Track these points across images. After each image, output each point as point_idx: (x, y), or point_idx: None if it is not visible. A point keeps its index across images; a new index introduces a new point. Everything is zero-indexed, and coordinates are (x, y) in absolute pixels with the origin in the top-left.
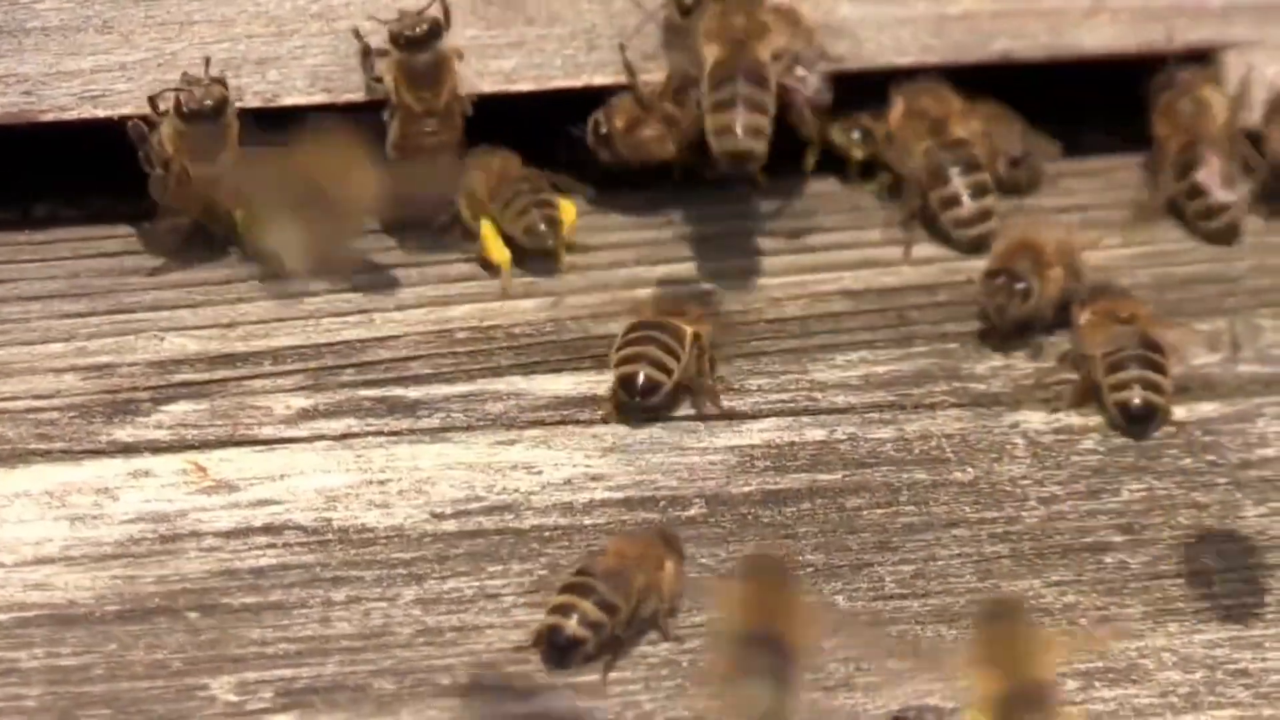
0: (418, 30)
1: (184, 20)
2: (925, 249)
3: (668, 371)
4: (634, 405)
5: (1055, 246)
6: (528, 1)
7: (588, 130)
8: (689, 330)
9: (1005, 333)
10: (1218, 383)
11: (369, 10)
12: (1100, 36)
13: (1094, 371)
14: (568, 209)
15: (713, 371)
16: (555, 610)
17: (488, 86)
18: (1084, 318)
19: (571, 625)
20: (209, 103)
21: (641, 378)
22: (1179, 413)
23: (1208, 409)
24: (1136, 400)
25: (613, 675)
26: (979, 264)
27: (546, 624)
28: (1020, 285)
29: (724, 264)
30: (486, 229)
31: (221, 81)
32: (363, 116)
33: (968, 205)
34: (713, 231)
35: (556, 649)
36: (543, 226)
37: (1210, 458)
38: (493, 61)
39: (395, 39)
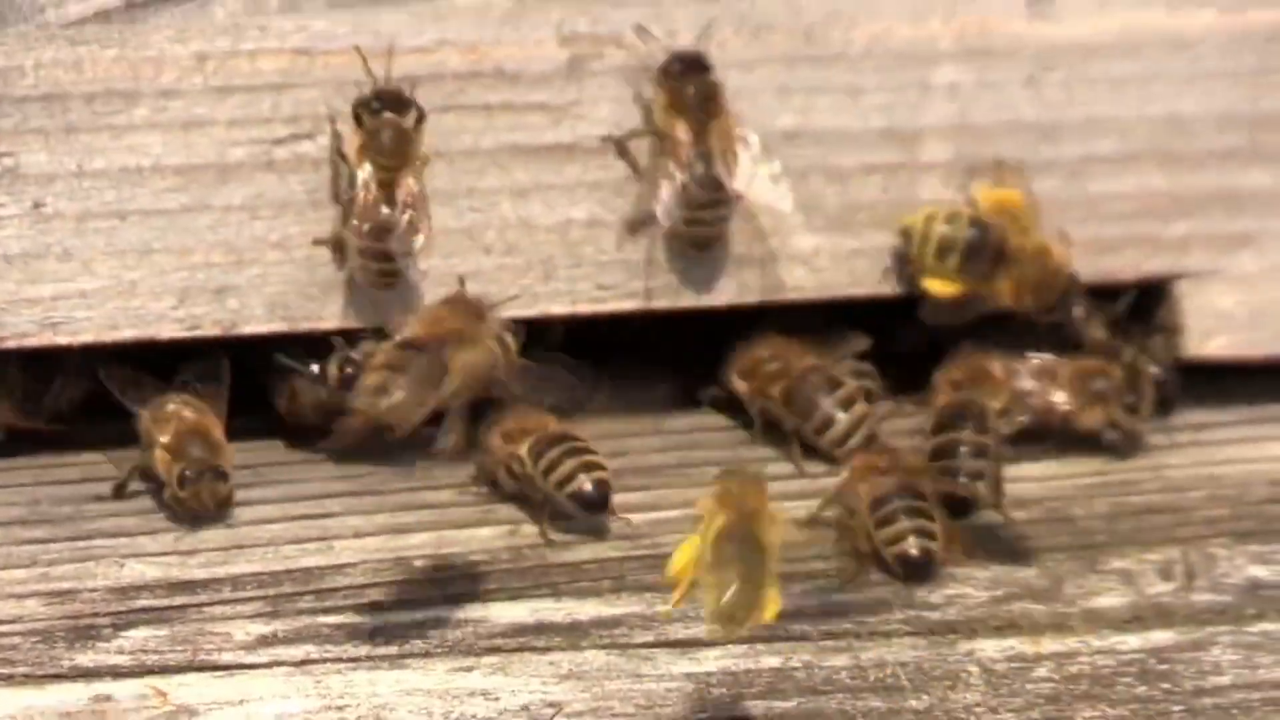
0: None
1: (143, 249)
2: None
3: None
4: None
5: None
6: (485, 231)
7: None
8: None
9: None
10: (1172, 611)
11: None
12: None
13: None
14: None
15: None
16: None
17: None
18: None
19: None
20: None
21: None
22: (1133, 642)
23: (1162, 638)
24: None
25: None
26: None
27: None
28: None
29: (677, 492)
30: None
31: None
32: (319, 345)
33: None
34: (668, 462)
35: None
36: None
37: (1165, 686)
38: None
39: None
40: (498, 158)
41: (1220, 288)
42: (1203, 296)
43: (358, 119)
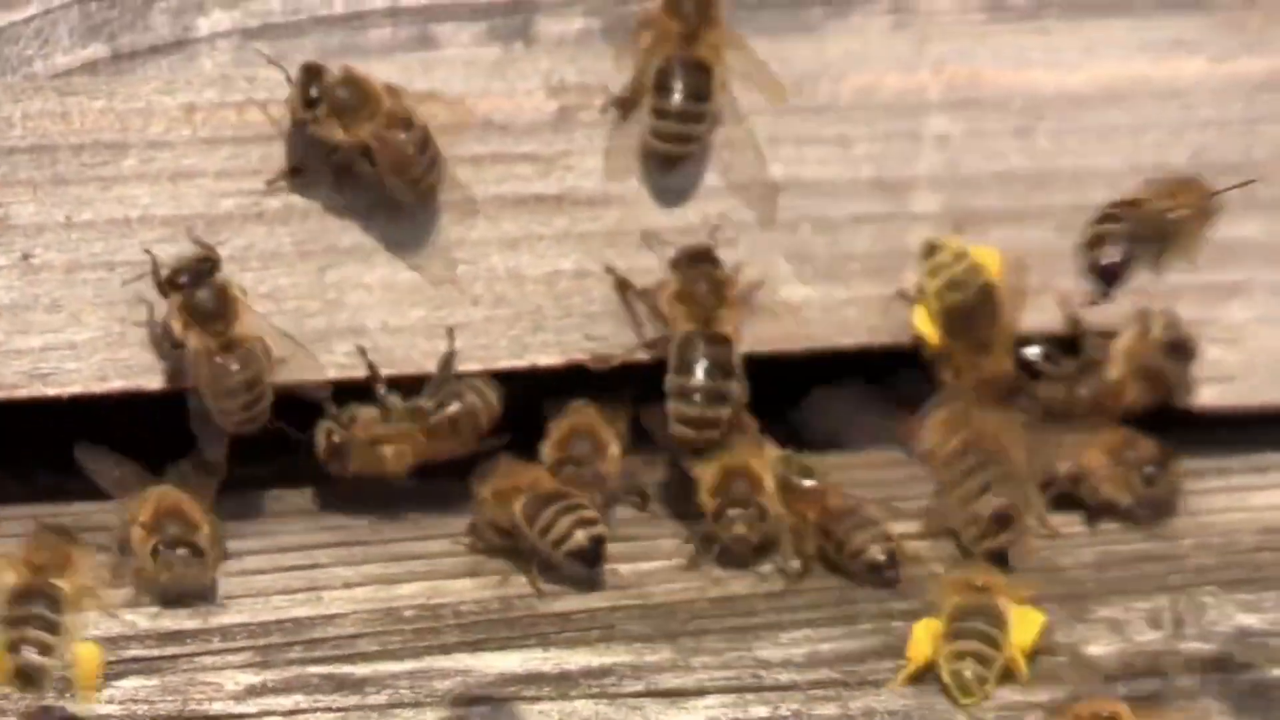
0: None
1: (131, 299)
2: None
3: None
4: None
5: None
6: (474, 283)
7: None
8: None
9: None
10: (1161, 660)
11: (311, 291)
12: (1048, 316)
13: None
14: None
15: None
16: None
17: (435, 366)
18: None
19: None
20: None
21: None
22: (1122, 690)
23: (1151, 686)
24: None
25: None
26: (919, 542)
27: None
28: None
29: (667, 542)
30: None
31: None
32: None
33: None
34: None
35: None
36: None
37: None
38: (440, 342)
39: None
40: (486, 209)
41: (1210, 337)
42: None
43: None
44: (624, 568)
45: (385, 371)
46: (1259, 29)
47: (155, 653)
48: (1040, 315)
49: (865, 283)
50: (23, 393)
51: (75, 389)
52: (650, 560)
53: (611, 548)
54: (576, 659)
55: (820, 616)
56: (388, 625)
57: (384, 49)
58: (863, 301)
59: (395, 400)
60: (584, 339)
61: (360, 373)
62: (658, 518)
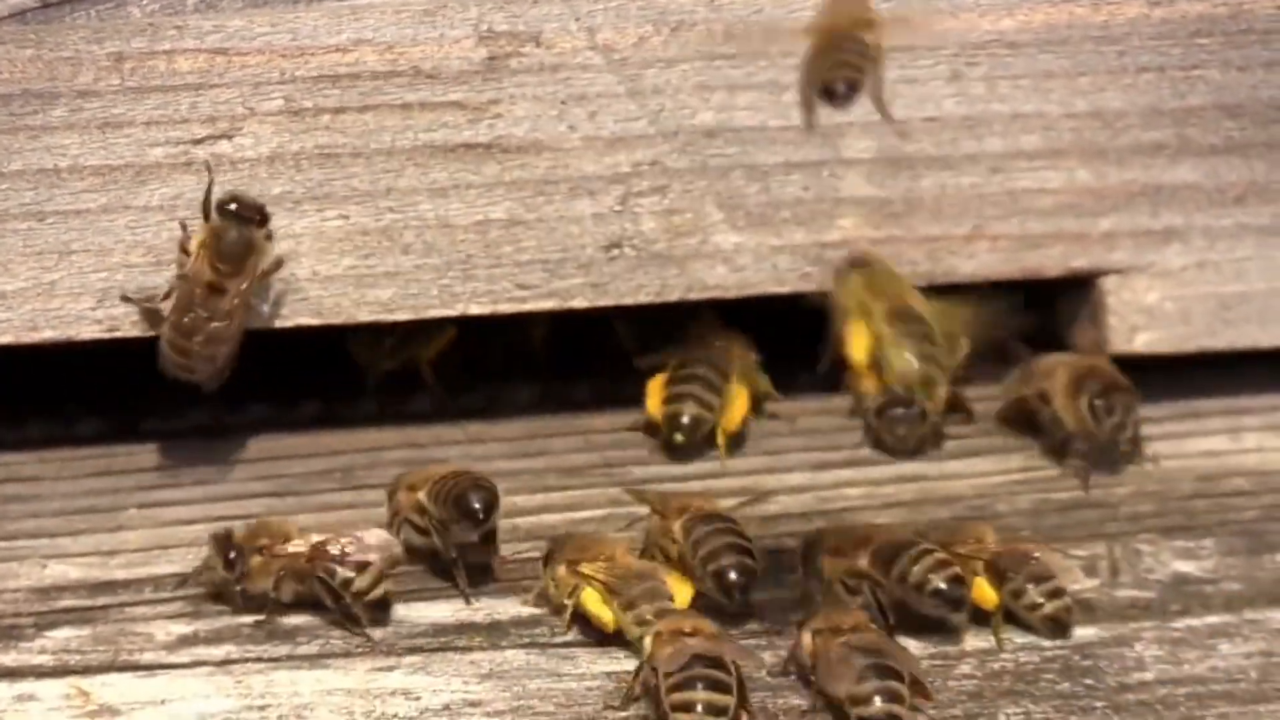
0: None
1: (62, 250)
2: (797, 476)
3: None
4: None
5: None
6: (404, 231)
7: None
8: None
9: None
10: (1096, 607)
11: None
12: (980, 262)
13: None
14: None
15: None
16: None
17: (365, 316)
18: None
19: None
20: None
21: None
22: (1058, 638)
23: (1086, 633)
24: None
25: None
26: (852, 489)
27: None
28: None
29: (599, 492)
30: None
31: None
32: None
33: None
34: (590, 461)
35: None
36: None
37: (1088, 681)
38: (369, 291)
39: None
40: (416, 157)
41: (1146, 283)
42: (1129, 292)
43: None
44: (555, 517)
45: (314, 321)
46: None
47: (87, 603)
48: (972, 261)
49: (797, 230)
50: None
51: (6, 339)
52: (583, 509)
53: (543, 497)
54: (507, 609)
55: None
56: None
57: None
58: (794, 249)
59: None
60: (515, 288)
61: (289, 321)
62: (591, 469)
